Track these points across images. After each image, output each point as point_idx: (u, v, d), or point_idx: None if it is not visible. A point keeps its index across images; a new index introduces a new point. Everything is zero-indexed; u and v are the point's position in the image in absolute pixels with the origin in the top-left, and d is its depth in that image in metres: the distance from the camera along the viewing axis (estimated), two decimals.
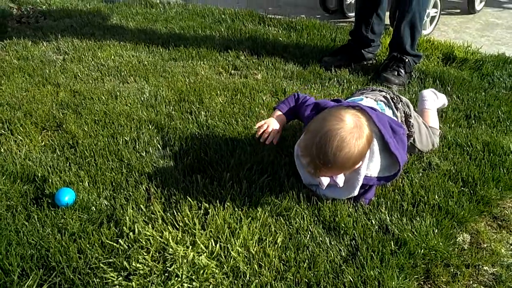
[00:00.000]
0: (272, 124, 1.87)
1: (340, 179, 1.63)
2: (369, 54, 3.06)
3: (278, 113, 1.91)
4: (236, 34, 3.44)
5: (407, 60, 2.79)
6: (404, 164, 1.71)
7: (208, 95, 2.52)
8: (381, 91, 1.97)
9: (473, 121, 2.32)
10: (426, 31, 3.55)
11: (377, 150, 1.65)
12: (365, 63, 3.05)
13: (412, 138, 1.90)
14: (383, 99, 1.90)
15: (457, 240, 1.64)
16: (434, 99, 2.18)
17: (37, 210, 1.70)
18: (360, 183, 1.64)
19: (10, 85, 2.63)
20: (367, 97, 1.91)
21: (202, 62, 2.99)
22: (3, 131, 2.19)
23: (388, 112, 1.86)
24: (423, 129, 1.96)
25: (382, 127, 1.66)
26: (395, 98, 1.91)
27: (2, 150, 2.05)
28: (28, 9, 4.05)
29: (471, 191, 1.83)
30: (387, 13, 3.53)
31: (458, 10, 4.22)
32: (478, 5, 4.16)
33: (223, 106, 2.41)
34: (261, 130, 1.85)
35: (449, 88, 2.64)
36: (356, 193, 1.67)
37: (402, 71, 2.76)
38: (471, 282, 1.50)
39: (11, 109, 2.37)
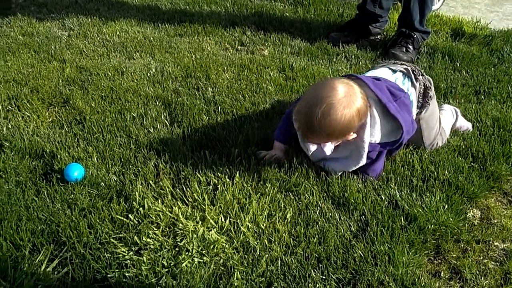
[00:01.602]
0: (273, 153, 1.86)
1: (328, 148, 1.65)
2: (377, 29, 3.02)
3: (276, 144, 1.88)
4: (242, 10, 3.40)
5: (415, 36, 2.76)
6: (410, 129, 1.69)
7: (215, 71, 2.50)
8: (403, 64, 1.92)
9: (483, 97, 2.30)
10: (435, 6, 3.49)
11: (377, 116, 1.64)
12: (372, 38, 3.01)
13: (425, 109, 1.84)
14: (403, 70, 1.85)
15: (467, 215, 1.64)
16: (451, 113, 2.07)
17: (46, 185, 1.70)
18: (366, 151, 1.63)
19: (16, 61, 2.61)
20: (383, 67, 1.88)
21: (208, 38, 2.96)
22: (10, 107, 2.18)
23: (407, 83, 1.81)
24: (436, 114, 1.89)
25: (379, 92, 1.65)
26: (416, 71, 1.86)
27: (10, 126, 2.04)
28: None
29: (481, 167, 1.82)
30: None
31: None
32: None
33: (230, 82, 2.39)
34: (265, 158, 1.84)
35: (458, 64, 2.61)
36: (364, 161, 1.66)
37: (411, 47, 2.73)
38: (481, 257, 1.50)
39: (17, 85, 2.36)
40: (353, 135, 1.62)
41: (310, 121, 1.53)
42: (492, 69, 2.56)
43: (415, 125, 1.76)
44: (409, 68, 1.86)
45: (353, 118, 1.55)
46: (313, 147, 1.65)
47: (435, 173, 1.77)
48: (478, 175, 1.78)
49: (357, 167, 1.69)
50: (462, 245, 1.53)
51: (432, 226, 1.54)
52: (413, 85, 1.83)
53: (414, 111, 1.81)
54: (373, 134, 1.64)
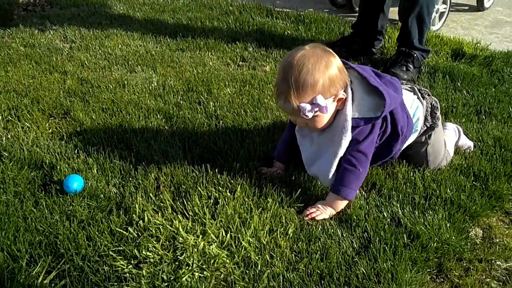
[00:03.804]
0: (274, 169, 1.86)
1: (306, 108, 1.54)
2: (372, 49, 3.03)
3: (277, 163, 1.88)
4: (244, 26, 3.41)
5: (415, 55, 2.77)
6: (395, 105, 1.64)
7: (217, 85, 2.50)
8: (407, 83, 1.93)
9: (484, 117, 2.30)
10: (435, 27, 3.52)
11: (359, 90, 1.63)
12: (366, 57, 3.00)
13: (433, 132, 1.84)
14: (408, 88, 1.85)
15: (470, 234, 1.63)
16: (454, 132, 2.06)
17: (45, 196, 1.69)
18: (349, 125, 1.60)
19: (17, 72, 2.61)
20: None
21: (210, 53, 2.97)
22: (10, 118, 2.17)
23: (414, 99, 1.81)
24: (441, 139, 1.89)
25: (360, 69, 1.66)
26: (423, 90, 1.87)
27: (9, 136, 2.03)
28: None
29: (483, 186, 1.81)
30: (392, 8, 3.50)
31: (467, 7, 4.19)
32: (487, 3, 4.13)
33: (232, 97, 2.39)
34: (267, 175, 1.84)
35: (458, 84, 2.62)
36: (347, 137, 1.61)
37: (411, 66, 2.74)
38: (484, 276, 1.48)
39: (18, 96, 2.35)
40: (331, 102, 1.57)
41: (285, 72, 1.54)
42: (492, 90, 2.56)
43: (412, 123, 1.74)
44: (415, 87, 1.87)
45: (328, 65, 1.55)
46: (307, 107, 1.54)
47: (437, 191, 1.76)
48: (480, 194, 1.77)
49: (342, 148, 1.63)
50: (465, 264, 1.52)
51: (435, 244, 1.52)
52: (420, 101, 1.82)
53: (420, 126, 1.80)
54: (356, 108, 1.62)
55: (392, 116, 1.67)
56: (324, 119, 1.62)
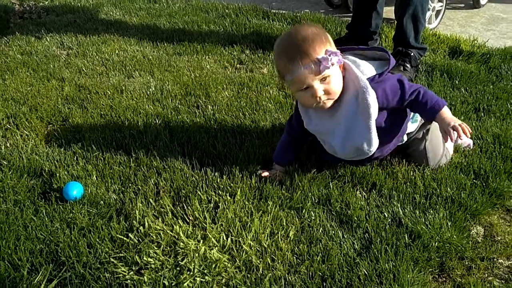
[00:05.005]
0: (274, 172, 1.86)
1: (333, 47, 1.62)
2: None
3: (276, 165, 1.88)
4: (241, 29, 3.41)
5: (412, 54, 2.77)
6: (393, 60, 1.70)
7: (214, 89, 2.50)
8: None
9: (482, 114, 2.29)
10: (432, 25, 3.52)
11: (358, 59, 1.71)
12: None
13: (430, 126, 1.86)
14: None
15: (471, 233, 1.62)
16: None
17: (45, 204, 1.69)
18: (366, 82, 1.60)
19: (14, 80, 2.61)
20: None
21: (207, 57, 2.97)
22: (9, 126, 2.17)
23: None
24: (440, 135, 1.87)
25: (350, 46, 1.80)
26: None
27: (8, 144, 2.03)
28: (31, 4, 4.02)
29: (483, 184, 1.81)
30: (385, 8, 3.49)
31: (463, 5, 4.19)
32: (483, 0, 4.13)
33: (230, 100, 2.39)
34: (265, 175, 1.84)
35: (456, 81, 2.62)
36: (372, 93, 1.60)
37: (408, 65, 2.74)
38: (486, 275, 1.48)
39: (16, 104, 2.35)
40: (334, 61, 1.57)
41: (290, 41, 1.58)
42: (490, 87, 2.56)
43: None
44: None
45: (322, 33, 1.60)
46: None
47: (438, 190, 1.75)
48: (481, 192, 1.76)
49: (372, 107, 1.60)
50: (467, 263, 1.51)
51: (436, 243, 1.52)
52: None
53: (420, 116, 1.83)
54: (364, 71, 1.66)
55: None
56: (340, 77, 1.63)
